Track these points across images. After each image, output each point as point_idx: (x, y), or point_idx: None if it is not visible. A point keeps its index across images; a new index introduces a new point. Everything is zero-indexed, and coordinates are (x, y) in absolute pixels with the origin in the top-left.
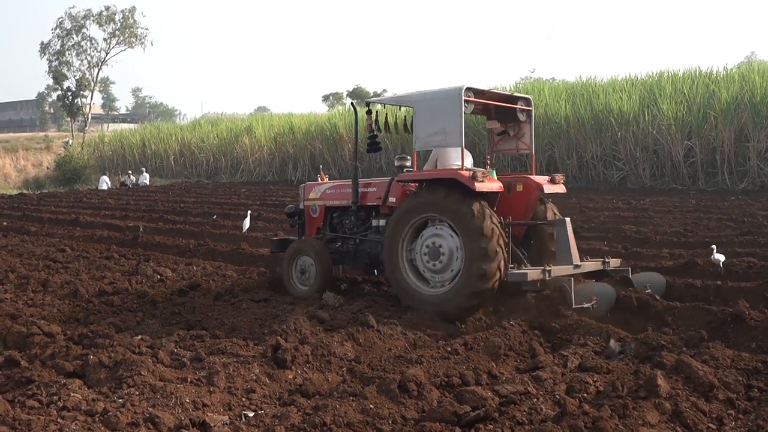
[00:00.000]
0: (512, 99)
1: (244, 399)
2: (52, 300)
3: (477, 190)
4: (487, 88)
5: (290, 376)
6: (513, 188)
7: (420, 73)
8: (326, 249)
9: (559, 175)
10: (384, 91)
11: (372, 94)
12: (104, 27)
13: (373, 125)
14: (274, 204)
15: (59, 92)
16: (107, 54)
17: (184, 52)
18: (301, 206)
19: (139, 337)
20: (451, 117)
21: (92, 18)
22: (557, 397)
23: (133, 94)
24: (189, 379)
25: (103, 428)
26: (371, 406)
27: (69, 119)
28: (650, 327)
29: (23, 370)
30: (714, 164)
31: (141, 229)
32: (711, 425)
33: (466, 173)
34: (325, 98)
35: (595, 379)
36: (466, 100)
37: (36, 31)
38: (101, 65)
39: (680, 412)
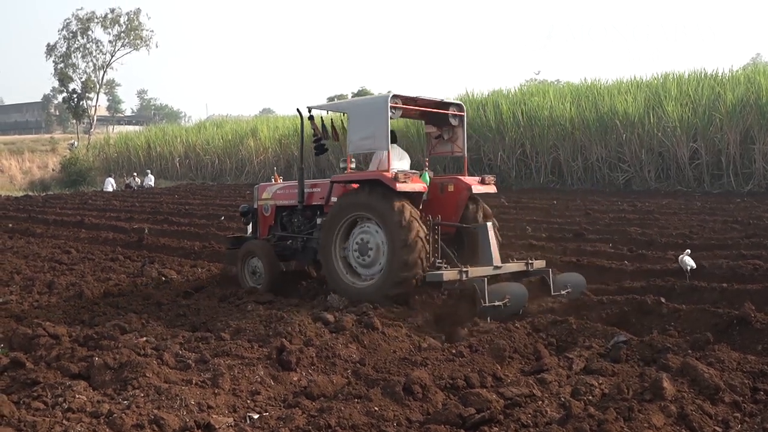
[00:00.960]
0: (444, 105)
1: (248, 401)
2: (57, 301)
3: (398, 190)
4: (415, 96)
5: (295, 378)
6: (445, 189)
7: (424, 74)
8: (273, 251)
9: (489, 176)
10: (389, 92)
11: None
12: (109, 29)
13: (318, 129)
14: None
15: (65, 94)
16: (112, 56)
17: (189, 54)
18: (255, 206)
19: (144, 338)
20: (380, 122)
21: (97, 20)
22: (562, 399)
23: (138, 97)
24: (194, 381)
25: (108, 430)
26: (376, 408)
27: (74, 121)
28: (655, 329)
29: (29, 372)
30: (719, 166)
31: (146, 231)
32: (717, 428)
33: (389, 175)
34: (330, 100)
35: (600, 381)
36: (393, 107)
37: (42, 33)
38: (106, 67)
39: (686, 414)
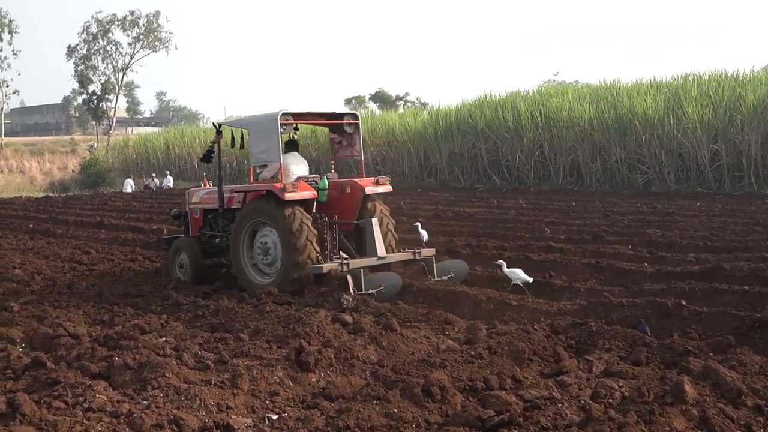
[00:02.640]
0: (338, 116)
1: (267, 402)
2: (77, 302)
3: (286, 199)
4: (306, 111)
5: (313, 379)
6: (343, 190)
7: (443, 75)
8: (198, 248)
9: (383, 177)
10: (406, 93)
11: (394, 97)
12: (128, 31)
13: (222, 142)
14: None
15: (85, 96)
16: (132, 58)
17: (208, 56)
18: (187, 209)
19: (164, 339)
20: (272, 137)
21: (117, 23)
22: (582, 402)
23: (157, 98)
24: (213, 382)
25: (128, 429)
26: (395, 409)
27: (94, 123)
28: (676, 332)
29: (49, 372)
30: (740, 168)
31: (165, 231)
32: None
33: (279, 185)
34: (348, 101)
35: (620, 384)
36: (283, 123)
37: (62, 36)
38: (126, 69)
39: (708, 418)
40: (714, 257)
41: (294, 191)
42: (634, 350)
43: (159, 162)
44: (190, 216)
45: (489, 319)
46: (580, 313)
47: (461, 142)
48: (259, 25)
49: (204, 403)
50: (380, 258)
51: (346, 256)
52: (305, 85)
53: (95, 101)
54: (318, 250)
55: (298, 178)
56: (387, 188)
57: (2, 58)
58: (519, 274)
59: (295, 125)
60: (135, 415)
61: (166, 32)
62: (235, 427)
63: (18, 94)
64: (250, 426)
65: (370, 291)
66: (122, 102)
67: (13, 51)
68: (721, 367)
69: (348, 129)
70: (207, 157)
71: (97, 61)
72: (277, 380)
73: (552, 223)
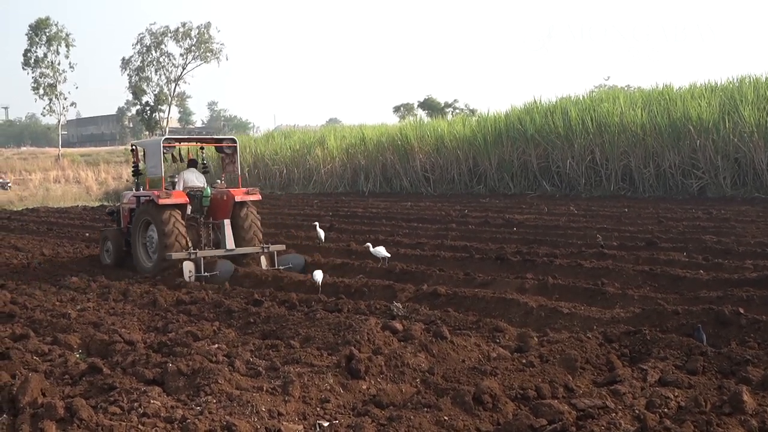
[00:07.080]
0: (218, 140)
1: (318, 409)
2: (132, 309)
3: (160, 203)
4: (187, 136)
5: (364, 387)
6: (222, 197)
7: (491, 82)
8: (120, 237)
9: (253, 188)
10: (455, 100)
11: (443, 104)
12: (181, 43)
13: (137, 159)
14: (346, 215)
15: (138, 107)
16: (184, 69)
17: (258, 65)
18: (119, 207)
19: (216, 345)
20: (157, 157)
21: (170, 35)
22: (637, 411)
23: (208, 108)
24: (265, 388)
25: None
26: (446, 417)
27: (147, 133)
28: (734, 341)
29: (106, 377)
30: None
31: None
32: None
33: (157, 192)
34: (396, 109)
35: (676, 393)
36: (166, 146)
37: (117, 48)
38: (178, 80)
39: None
40: None
41: (167, 198)
42: (690, 359)
43: (211, 171)
44: (122, 213)
45: (540, 327)
46: (633, 321)
47: (511, 149)
48: (309, 34)
49: (256, 409)
50: (228, 250)
51: (194, 248)
52: (355, 93)
53: (148, 112)
54: (186, 239)
55: (185, 188)
56: (256, 197)
57: (60, 71)
58: (381, 252)
59: (201, 147)
60: (188, 420)
61: (217, 43)
62: None
63: (74, 106)
64: None
65: (206, 274)
66: (174, 112)
67: (69, 64)
68: None
69: (227, 150)
70: (136, 173)
71: (151, 73)
72: (328, 387)
73: (604, 229)
